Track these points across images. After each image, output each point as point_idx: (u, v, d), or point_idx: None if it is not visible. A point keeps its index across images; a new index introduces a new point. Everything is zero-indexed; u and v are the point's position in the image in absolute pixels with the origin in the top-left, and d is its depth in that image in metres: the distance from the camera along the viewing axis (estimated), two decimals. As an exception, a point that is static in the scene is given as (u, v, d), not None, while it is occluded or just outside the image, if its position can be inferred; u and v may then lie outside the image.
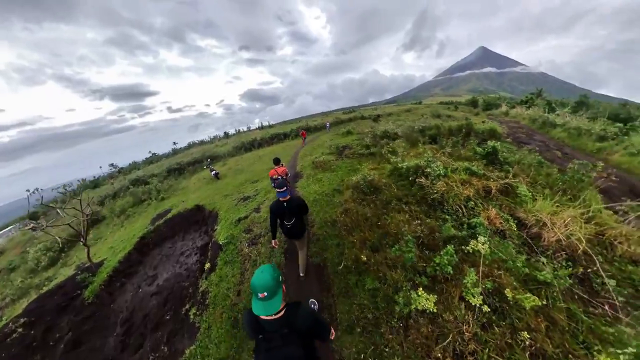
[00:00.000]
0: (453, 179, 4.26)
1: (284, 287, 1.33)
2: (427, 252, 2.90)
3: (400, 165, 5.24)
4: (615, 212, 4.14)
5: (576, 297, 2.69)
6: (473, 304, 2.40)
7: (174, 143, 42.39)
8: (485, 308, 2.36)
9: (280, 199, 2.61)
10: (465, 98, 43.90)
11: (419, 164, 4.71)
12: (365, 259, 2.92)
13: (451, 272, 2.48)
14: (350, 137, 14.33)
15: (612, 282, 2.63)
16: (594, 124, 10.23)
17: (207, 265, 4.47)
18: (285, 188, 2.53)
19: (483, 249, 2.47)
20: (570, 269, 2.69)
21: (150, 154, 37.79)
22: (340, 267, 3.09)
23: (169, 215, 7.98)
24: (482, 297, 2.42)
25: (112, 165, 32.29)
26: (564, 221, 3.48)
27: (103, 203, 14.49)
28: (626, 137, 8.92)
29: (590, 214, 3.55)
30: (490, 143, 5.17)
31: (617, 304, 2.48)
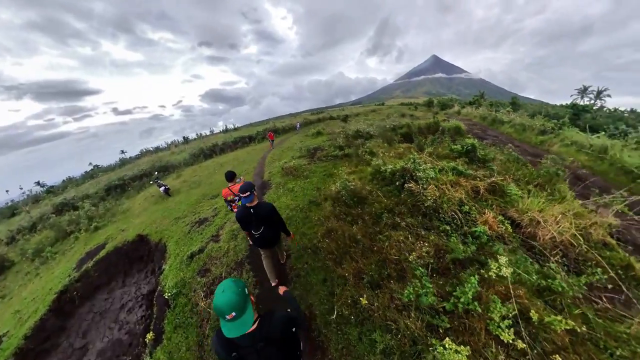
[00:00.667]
0: (442, 181, 3.90)
1: (252, 298, 1.19)
2: (438, 279, 2.34)
3: (383, 168, 4.75)
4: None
5: (580, 296, 2.55)
6: (505, 340, 1.95)
7: (122, 152, 36.28)
8: (520, 344, 1.94)
9: (247, 204, 2.36)
10: (422, 99, 47.86)
11: (405, 167, 4.25)
12: (365, 302, 2.20)
13: (479, 310, 1.95)
14: (320, 137, 13.82)
15: (599, 271, 2.56)
16: (534, 121, 11.55)
17: (150, 335, 3.10)
18: (249, 192, 2.26)
19: (507, 272, 2.02)
20: (585, 276, 2.48)
21: (92, 167, 31.19)
22: (334, 317, 2.31)
23: (103, 253, 6.13)
24: (512, 329, 2.00)
25: (37, 183, 25.73)
26: (555, 218, 3.39)
27: (14, 240, 10.89)
28: (561, 130, 10.23)
29: (575, 210, 3.53)
30: (468, 140, 5.04)
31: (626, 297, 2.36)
